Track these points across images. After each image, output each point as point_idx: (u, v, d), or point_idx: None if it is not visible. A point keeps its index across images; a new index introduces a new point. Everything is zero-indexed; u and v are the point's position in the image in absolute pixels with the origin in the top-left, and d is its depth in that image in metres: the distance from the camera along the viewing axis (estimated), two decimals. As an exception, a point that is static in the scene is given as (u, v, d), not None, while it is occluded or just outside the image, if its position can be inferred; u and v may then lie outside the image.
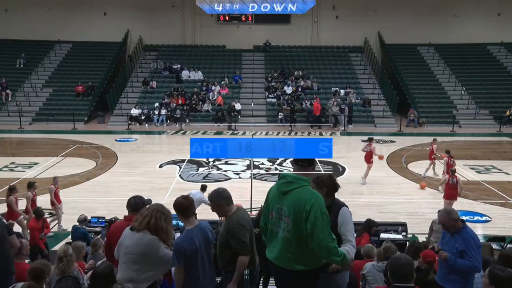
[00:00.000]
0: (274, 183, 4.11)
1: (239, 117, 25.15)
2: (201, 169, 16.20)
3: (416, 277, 3.71)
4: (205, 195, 8.89)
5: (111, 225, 5.45)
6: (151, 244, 3.96)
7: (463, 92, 27.97)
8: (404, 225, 9.74)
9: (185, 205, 4.11)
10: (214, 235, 4.23)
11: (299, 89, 27.58)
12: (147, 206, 4.30)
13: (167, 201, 12.85)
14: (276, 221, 3.95)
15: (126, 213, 4.79)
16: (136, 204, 4.66)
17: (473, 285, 4.61)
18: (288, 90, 27.46)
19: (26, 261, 5.30)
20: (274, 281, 4.26)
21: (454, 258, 4.51)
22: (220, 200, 4.32)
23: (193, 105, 26.25)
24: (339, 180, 11.98)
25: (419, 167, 16.35)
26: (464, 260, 4.46)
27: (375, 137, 18.15)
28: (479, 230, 10.90)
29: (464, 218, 11.18)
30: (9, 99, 26.41)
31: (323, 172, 14.33)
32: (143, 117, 25.31)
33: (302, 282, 3.87)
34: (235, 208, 4.40)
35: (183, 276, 3.96)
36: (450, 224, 4.61)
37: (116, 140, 21.94)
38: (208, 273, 4.17)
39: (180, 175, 15.47)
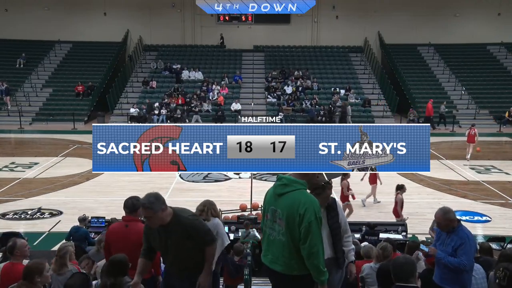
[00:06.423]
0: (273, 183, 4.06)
1: (239, 117, 25.12)
2: (201, 169, 16.15)
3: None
4: None
5: (109, 227, 5.47)
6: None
7: (463, 92, 27.95)
8: (404, 225, 9.77)
9: None
10: None
11: (299, 89, 27.58)
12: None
13: (167, 201, 12.92)
14: (270, 223, 3.87)
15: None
16: (133, 205, 4.67)
17: (471, 285, 4.61)
18: (288, 90, 27.45)
19: None
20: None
21: (443, 254, 4.52)
22: (161, 205, 3.88)
23: (192, 106, 26.21)
24: (339, 180, 11.85)
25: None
26: (454, 258, 4.46)
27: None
28: (479, 230, 10.93)
29: (464, 218, 11.26)
30: (9, 106, 26.32)
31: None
32: (141, 116, 25.26)
33: (298, 287, 3.79)
34: (171, 209, 4.01)
35: None
36: (443, 223, 4.62)
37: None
38: None
39: (180, 175, 15.47)
